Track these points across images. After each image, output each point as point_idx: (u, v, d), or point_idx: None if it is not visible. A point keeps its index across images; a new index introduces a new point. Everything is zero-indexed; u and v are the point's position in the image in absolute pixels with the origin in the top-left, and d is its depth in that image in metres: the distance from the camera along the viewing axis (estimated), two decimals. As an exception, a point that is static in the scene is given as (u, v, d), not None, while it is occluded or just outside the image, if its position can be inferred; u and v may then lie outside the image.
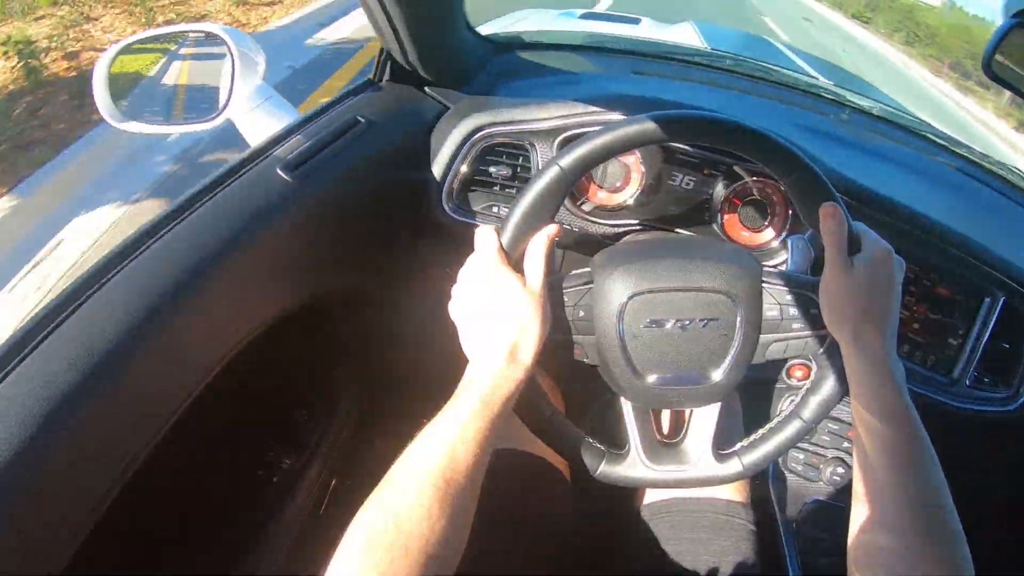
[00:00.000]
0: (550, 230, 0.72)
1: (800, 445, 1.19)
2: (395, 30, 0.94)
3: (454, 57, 1.12)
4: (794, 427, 0.77)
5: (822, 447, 1.16)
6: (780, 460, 1.24)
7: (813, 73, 2.56)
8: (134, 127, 1.04)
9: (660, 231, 1.08)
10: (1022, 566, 1.26)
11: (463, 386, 0.65)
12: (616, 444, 0.81)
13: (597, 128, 0.72)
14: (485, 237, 0.71)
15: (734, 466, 0.79)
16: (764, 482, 1.21)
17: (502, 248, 0.70)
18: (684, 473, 0.79)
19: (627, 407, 0.80)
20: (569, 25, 2.34)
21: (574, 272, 0.76)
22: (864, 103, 1.64)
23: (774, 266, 1.05)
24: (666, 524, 0.93)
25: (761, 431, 0.80)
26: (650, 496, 0.97)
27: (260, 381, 0.93)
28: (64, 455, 0.58)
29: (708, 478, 0.80)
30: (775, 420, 0.79)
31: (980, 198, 1.30)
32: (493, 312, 0.67)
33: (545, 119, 1.02)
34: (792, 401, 0.79)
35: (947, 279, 1.05)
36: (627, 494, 1.00)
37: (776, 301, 0.74)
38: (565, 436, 0.79)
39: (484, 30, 1.28)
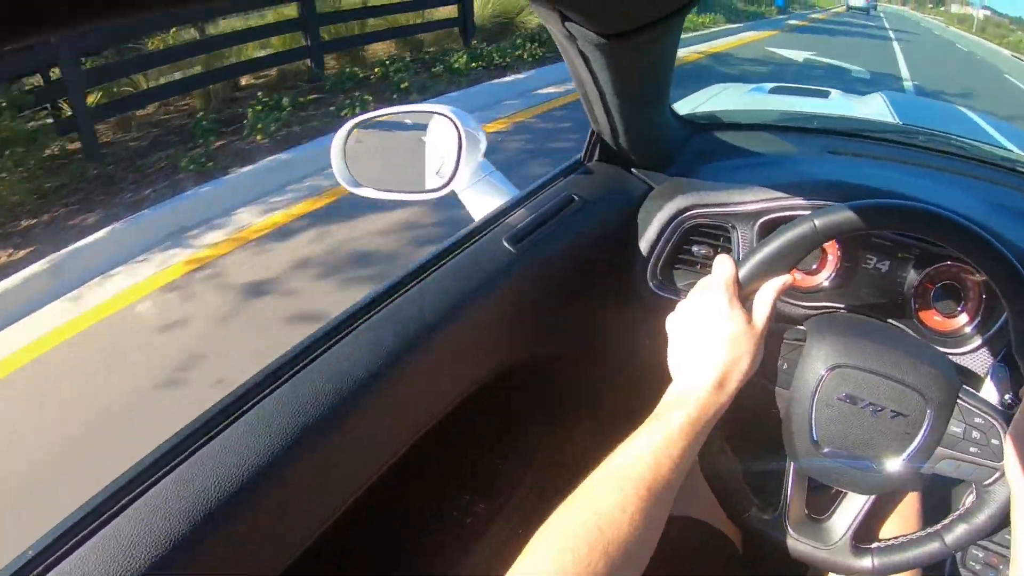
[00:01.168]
0: (786, 279, 0.75)
1: (981, 542, 1.10)
2: (610, 115, 1.01)
3: (658, 140, 1.17)
4: (933, 547, 0.76)
5: (1005, 547, 1.06)
6: (958, 556, 1.16)
7: (1009, 145, 2.40)
8: (367, 192, 1.19)
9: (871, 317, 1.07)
10: None
11: (669, 404, 0.68)
12: (766, 500, 0.82)
13: (859, 202, 0.74)
14: (724, 265, 0.74)
15: (866, 562, 0.78)
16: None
17: (737, 280, 0.73)
18: (818, 552, 0.80)
19: (791, 470, 0.81)
20: (760, 100, 2.34)
21: (792, 327, 0.79)
22: None
23: (965, 352, 1.00)
24: None
25: (902, 539, 0.78)
26: None
27: (468, 431, 1.01)
28: (290, 488, 0.65)
29: (837, 565, 0.79)
30: (919, 532, 0.78)
31: None
32: (712, 336, 0.70)
33: (747, 203, 1.05)
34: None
35: None
36: (797, 572, 0.98)
37: (964, 420, 0.74)
38: (724, 475, 0.81)
39: (680, 108, 1.33)
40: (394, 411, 0.78)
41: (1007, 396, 0.78)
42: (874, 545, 0.80)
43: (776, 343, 0.77)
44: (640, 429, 0.65)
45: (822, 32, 18.96)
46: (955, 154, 1.49)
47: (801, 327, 0.79)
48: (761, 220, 1.05)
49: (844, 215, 0.72)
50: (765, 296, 0.74)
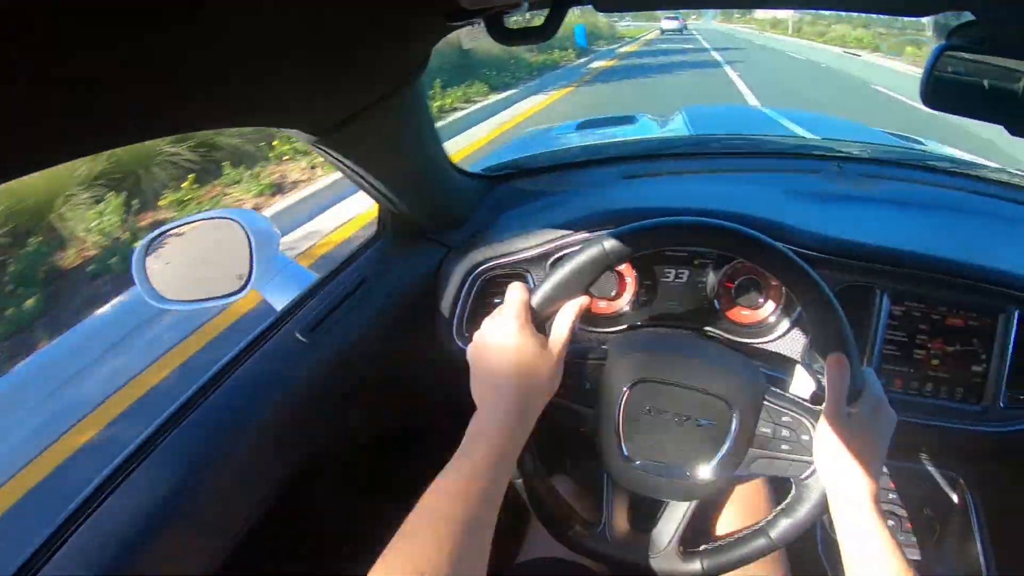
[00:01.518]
0: (582, 301, 0.76)
1: None
2: (383, 193, 1.03)
3: (448, 203, 1.20)
4: (760, 544, 0.79)
5: None
6: (829, 525, 1.22)
7: (801, 132, 2.62)
8: (172, 306, 1.15)
9: (674, 329, 1.11)
10: None
11: (472, 435, 0.67)
12: (591, 515, 0.83)
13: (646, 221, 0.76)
14: (515, 292, 0.74)
15: (694, 566, 0.80)
16: (814, 552, 1.21)
17: (529, 305, 0.74)
18: (645, 561, 0.82)
19: (608, 484, 0.82)
20: (569, 139, 2.45)
21: (593, 346, 0.81)
22: (854, 149, 1.68)
23: (777, 338, 1.07)
24: None
25: (730, 538, 0.81)
26: None
27: (297, 525, 0.98)
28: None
29: (667, 572, 0.81)
30: (744, 531, 0.80)
31: (980, 213, 1.31)
32: (506, 363, 0.70)
33: (538, 245, 1.08)
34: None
35: (955, 308, 1.04)
36: None
37: (772, 420, 0.77)
38: (542, 495, 0.81)
39: (488, 161, 1.37)
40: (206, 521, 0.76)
41: (816, 389, 0.81)
42: (702, 548, 0.82)
43: (579, 365, 0.79)
44: (448, 466, 0.64)
45: (637, 72, 15.31)
46: (748, 153, 1.63)
47: (604, 346, 0.81)
48: (552, 259, 1.09)
49: (631, 235, 0.74)
50: (562, 318, 0.74)
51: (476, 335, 0.75)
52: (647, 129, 2.75)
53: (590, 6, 0.73)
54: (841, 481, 0.70)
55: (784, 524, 0.78)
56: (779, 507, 0.79)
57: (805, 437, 0.75)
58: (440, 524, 0.58)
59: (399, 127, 0.90)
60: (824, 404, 0.72)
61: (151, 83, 0.44)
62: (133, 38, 0.39)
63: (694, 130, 2.50)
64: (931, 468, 1.23)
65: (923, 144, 2.41)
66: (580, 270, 0.75)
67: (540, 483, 0.82)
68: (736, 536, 0.81)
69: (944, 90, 0.80)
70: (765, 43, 33.11)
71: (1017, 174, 1.55)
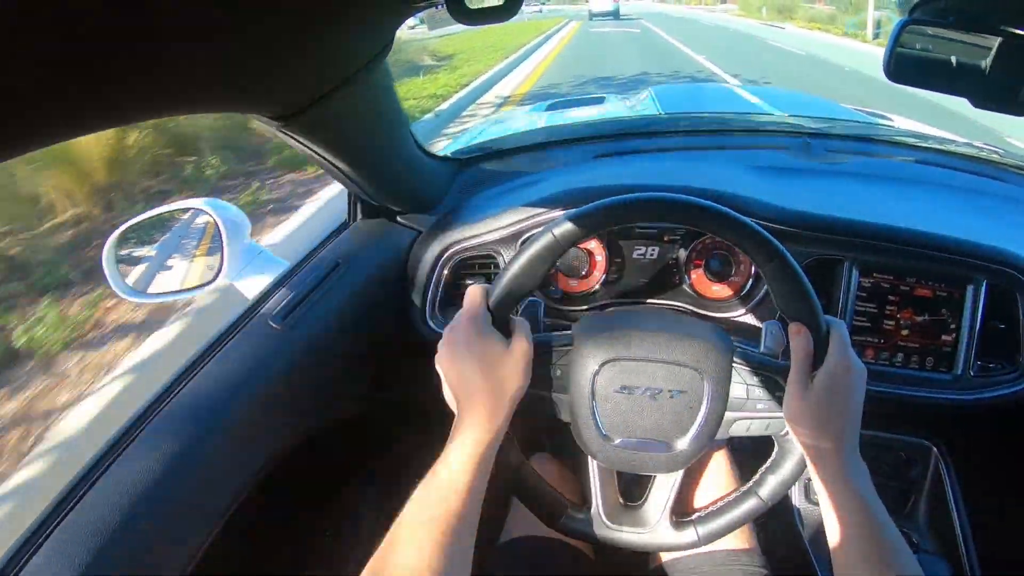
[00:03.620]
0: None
1: None
2: (351, 178, 1.03)
3: (417, 185, 1.20)
4: (750, 504, 0.80)
5: None
6: (804, 493, 1.27)
7: (769, 109, 2.64)
8: (142, 299, 1.15)
9: (640, 304, 1.12)
10: None
11: (451, 442, 0.69)
12: (583, 500, 0.84)
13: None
14: (473, 296, 0.75)
15: (689, 535, 0.82)
16: (787, 523, 1.23)
17: (488, 308, 0.74)
18: (640, 537, 0.83)
19: (593, 467, 0.83)
20: (539, 119, 2.44)
21: (557, 334, 0.81)
22: (822, 125, 1.70)
23: (746, 312, 1.09)
24: None
25: (719, 503, 0.82)
26: (665, 557, 0.99)
27: (280, 504, 0.99)
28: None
29: (663, 544, 0.82)
30: (733, 494, 0.82)
31: (946, 186, 1.33)
32: (470, 367, 0.71)
33: (508, 226, 1.09)
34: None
35: (924, 279, 1.06)
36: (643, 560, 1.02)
37: (744, 380, 0.78)
38: (531, 486, 0.82)
39: (457, 143, 1.36)
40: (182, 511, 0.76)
41: (782, 349, 0.81)
42: (694, 516, 0.83)
43: (548, 354, 0.79)
44: (430, 474, 0.67)
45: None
46: (716, 131, 1.64)
47: (568, 332, 0.81)
48: (522, 239, 1.09)
49: (580, 218, 0.74)
50: (523, 316, 0.77)
51: (440, 345, 0.75)
52: (614, 109, 2.75)
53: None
54: (813, 443, 0.71)
55: (771, 482, 0.79)
56: (764, 466, 0.81)
57: (779, 394, 0.76)
58: (419, 530, 0.61)
59: (365, 110, 0.89)
60: (790, 370, 0.74)
61: (92, 68, 0.44)
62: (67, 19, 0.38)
63: (663, 109, 2.50)
64: (904, 438, 1.25)
65: (890, 120, 2.45)
66: (533, 262, 0.75)
67: (528, 475, 0.83)
68: (726, 500, 0.82)
69: (907, 64, 0.80)
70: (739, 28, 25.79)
71: (984, 148, 1.59)
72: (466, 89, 9.82)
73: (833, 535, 0.68)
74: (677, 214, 0.76)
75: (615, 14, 30.22)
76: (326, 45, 0.69)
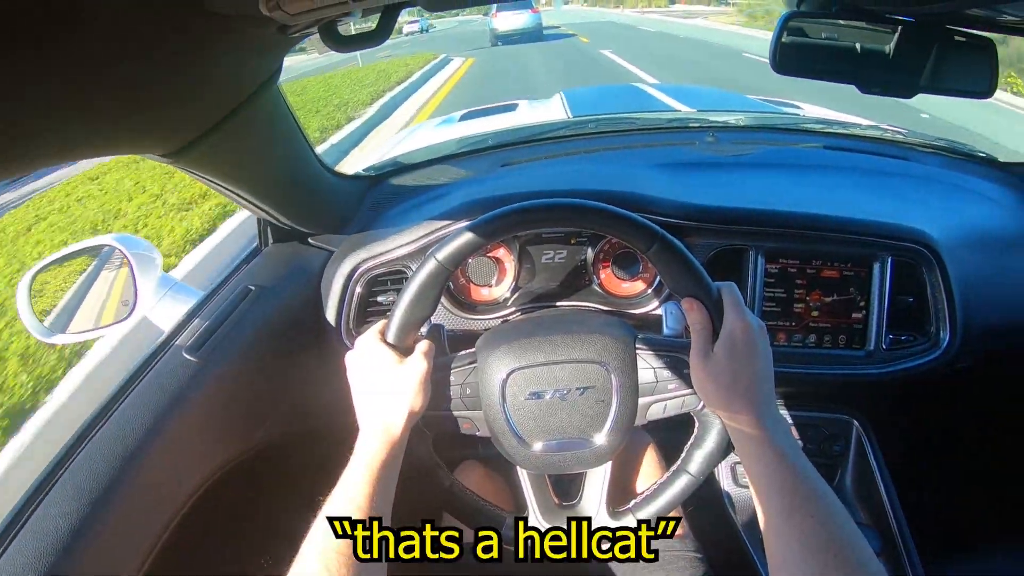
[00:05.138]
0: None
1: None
2: (256, 204, 1.04)
3: (324, 206, 1.21)
4: (683, 481, 0.83)
5: None
6: (732, 476, 1.31)
7: (677, 105, 2.74)
8: (60, 339, 1.15)
9: (544, 309, 1.15)
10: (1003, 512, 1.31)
11: (354, 452, 0.73)
12: (516, 505, 0.87)
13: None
14: (371, 331, 0.80)
15: (628, 521, 0.85)
16: (717, 509, 1.27)
17: (385, 342, 0.78)
18: (580, 532, 0.83)
19: (523, 474, 0.86)
20: (450, 131, 2.46)
21: (460, 353, 0.84)
22: (730, 118, 1.77)
23: (658, 307, 1.12)
24: None
25: (652, 487, 0.85)
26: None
27: (203, 541, 0.99)
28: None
29: (603, 534, 0.84)
30: (664, 475, 0.85)
31: (850, 169, 1.39)
32: (366, 387, 0.77)
33: (412, 241, 1.11)
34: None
35: (830, 260, 1.11)
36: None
37: (650, 365, 0.80)
38: (466, 504, 0.85)
39: (369, 159, 1.36)
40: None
41: (684, 327, 0.83)
42: (631, 504, 0.85)
43: (447, 374, 0.81)
44: (334, 491, 0.70)
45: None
46: (623, 131, 1.68)
47: (471, 350, 0.84)
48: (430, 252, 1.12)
49: (461, 239, 0.76)
50: (424, 342, 0.80)
51: (347, 372, 0.80)
52: (526, 115, 2.80)
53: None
54: (726, 406, 0.73)
55: (697, 456, 0.81)
56: (688, 443, 0.83)
57: (687, 371, 0.77)
58: (329, 556, 0.63)
59: (259, 137, 0.92)
60: (691, 347, 0.75)
61: None
62: None
63: (573, 112, 2.57)
64: (824, 415, 1.31)
65: (798, 108, 2.54)
66: (422, 290, 0.77)
67: (462, 494, 0.85)
68: (658, 483, 0.84)
69: (792, 55, 0.85)
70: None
71: (888, 129, 1.68)
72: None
73: (757, 490, 0.68)
74: (552, 219, 0.79)
75: (534, 33, 18.59)
76: (201, 83, 0.70)
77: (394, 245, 1.12)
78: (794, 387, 1.23)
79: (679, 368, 0.79)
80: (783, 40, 0.84)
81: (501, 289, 1.17)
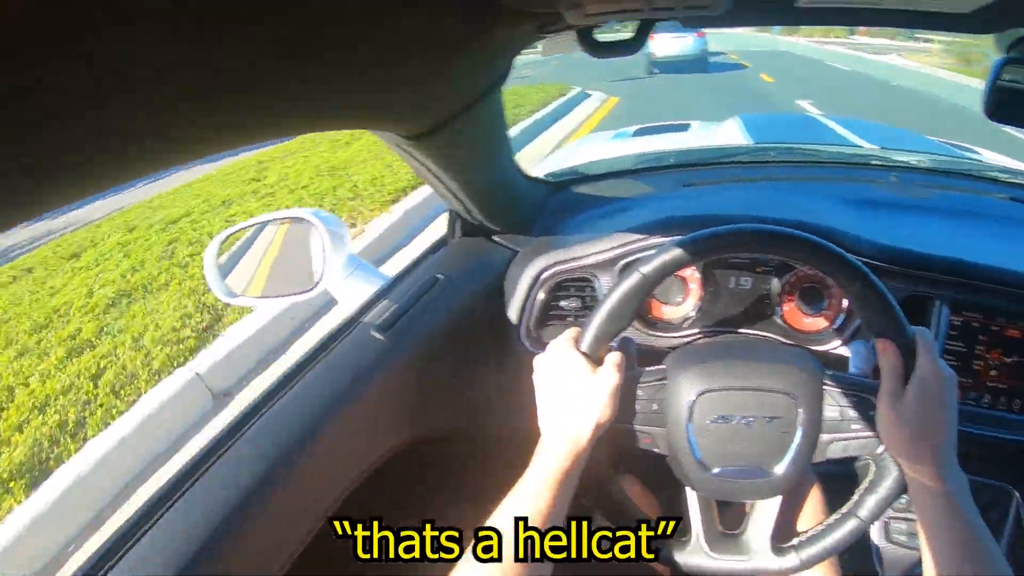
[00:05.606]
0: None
1: (902, 515, 1.19)
2: (458, 196, 1.06)
3: (515, 207, 1.22)
4: (851, 525, 0.79)
5: None
6: (883, 533, 1.23)
7: (859, 141, 2.59)
8: (243, 302, 1.19)
9: (728, 334, 1.12)
10: None
11: (535, 458, 0.72)
12: (681, 531, 0.84)
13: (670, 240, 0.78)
14: (564, 337, 0.79)
15: (791, 560, 0.81)
16: (867, 558, 1.20)
17: (579, 351, 0.77)
18: (742, 564, 0.82)
19: (692, 497, 0.84)
20: (624, 145, 2.45)
21: (650, 368, 0.82)
22: (911, 159, 1.68)
23: (840, 346, 1.07)
24: None
25: (820, 527, 0.82)
26: None
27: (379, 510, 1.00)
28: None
29: (765, 570, 0.82)
30: (833, 516, 0.81)
31: None
32: (560, 392, 0.76)
33: (605, 251, 1.10)
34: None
35: (1015, 319, 1.04)
36: None
37: (836, 403, 0.78)
38: (631, 518, 0.83)
39: (545, 165, 1.38)
40: (295, 497, 0.78)
41: (872, 368, 0.81)
42: (795, 541, 0.82)
43: (635, 389, 0.81)
44: (513, 490, 0.69)
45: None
46: (806, 162, 1.62)
47: (662, 366, 0.83)
48: (620, 264, 1.10)
49: (668, 255, 0.76)
50: (616, 352, 0.78)
51: (536, 362, 0.80)
52: (699, 136, 2.75)
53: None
54: (909, 455, 0.71)
55: (870, 501, 0.78)
56: (862, 486, 0.80)
57: (872, 412, 0.75)
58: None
59: (480, 133, 0.92)
60: (879, 391, 0.74)
61: (271, 84, 0.46)
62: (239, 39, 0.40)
63: (749, 137, 2.48)
64: (983, 480, 1.20)
65: (977, 153, 2.39)
66: (623, 303, 0.78)
67: (628, 506, 0.84)
68: (826, 523, 0.81)
69: (1007, 103, 0.80)
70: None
71: None
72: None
73: (931, 543, 0.68)
74: (759, 244, 0.78)
75: (698, 62, 15.50)
76: (464, 68, 0.71)
77: (583, 253, 1.11)
78: (960, 446, 1.14)
79: (864, 409, 0.77)
80: (998, 85, 0.80)
81: (685, 309, 1.13)
